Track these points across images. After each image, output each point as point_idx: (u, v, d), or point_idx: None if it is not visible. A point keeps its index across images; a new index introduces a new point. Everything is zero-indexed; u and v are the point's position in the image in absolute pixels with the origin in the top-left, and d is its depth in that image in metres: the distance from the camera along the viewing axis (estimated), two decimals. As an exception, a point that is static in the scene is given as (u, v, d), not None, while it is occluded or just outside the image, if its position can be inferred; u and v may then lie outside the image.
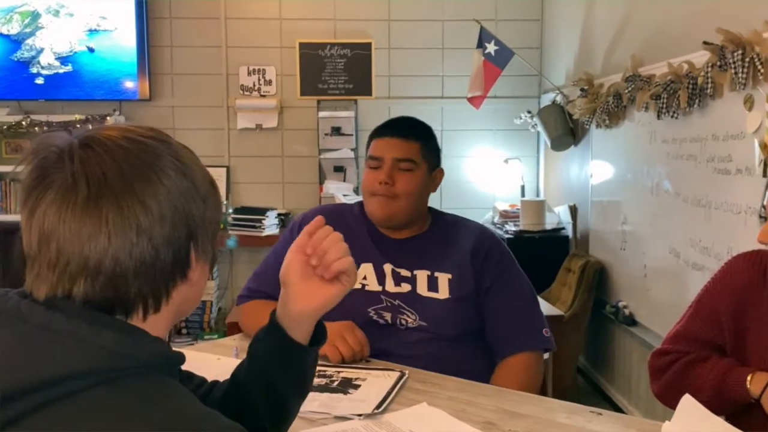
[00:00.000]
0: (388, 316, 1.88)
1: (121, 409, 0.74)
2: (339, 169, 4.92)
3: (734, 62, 2.42)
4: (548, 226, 4.41)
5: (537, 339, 1.91)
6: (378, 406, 1.46)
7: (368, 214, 1.97)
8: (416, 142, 1.95)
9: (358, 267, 1.07)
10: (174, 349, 0.84)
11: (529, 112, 4.80)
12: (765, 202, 1.59)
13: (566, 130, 4.31)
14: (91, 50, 4.76)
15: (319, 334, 1.08)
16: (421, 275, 1.92)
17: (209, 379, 1.12)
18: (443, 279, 1.91)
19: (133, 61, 4.75)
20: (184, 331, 4.66)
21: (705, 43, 2.56)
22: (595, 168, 4.07)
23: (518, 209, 4.56)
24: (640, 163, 3.44)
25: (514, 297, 1.93)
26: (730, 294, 1.66)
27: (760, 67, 2.32)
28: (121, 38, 4.75)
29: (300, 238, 1.06)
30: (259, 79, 4.94)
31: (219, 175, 4.82)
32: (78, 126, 4.56)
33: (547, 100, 4.75)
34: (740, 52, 2.39)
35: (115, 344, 0.76)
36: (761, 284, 1.62)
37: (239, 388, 1.07)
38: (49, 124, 4.68)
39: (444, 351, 1.84)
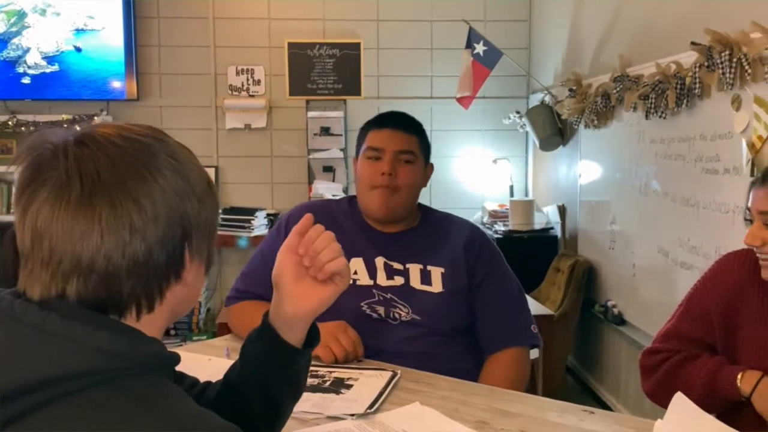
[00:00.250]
0: (381, 310, 1.86)
1: (118, 410, 0.73)
2: (328, 169, 4.92)
3: (722, 62, 2.43)
4: (537, 226, 4.43)
5: (525, 335, 1.92)
6: (370, 406, 1.46)
7: (366, 208, 1.95)
8: (415, 135, 1.96)
9: (348, 261, 1.06)
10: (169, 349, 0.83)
11: (517, 112, 4.81)
12: (749, 205, 1.60)
13: (555, 131, 4.32)
14: (78, 50, 4.73)
15: (312, 336, 1.07)
16: (414, 269, 1.91)
17: (201, 379, 1.11)
18: (436, 273, 1.90)
19: (121, 60, 4.73)
20: (172, 332, 4.62)
21: (693, 43, 2.58)
22: (583, 168, 4.08)
23: (507, 209, 4.57)
24: (628, 163, 3.46)
25: (504, 293, 1.94)
26: (720, 293, 1.67)
27: (747, 67, 2.33)
28: (108, 38, 4.72)
29: (291, 238, 1.04)
30: (247, 79, 4.92)
31: (208, 176, 4.80)
32: (66, 126, 4.53)
33: (535, 100, 4.76)
34: (728, 52, 2.40)
35: (110, 344, 0.76)
36: (751, 283, 1.64)
37: (232, 390, 1.07)
38: (35, 124, 4.64)
39: (435, 348, 1.84)
